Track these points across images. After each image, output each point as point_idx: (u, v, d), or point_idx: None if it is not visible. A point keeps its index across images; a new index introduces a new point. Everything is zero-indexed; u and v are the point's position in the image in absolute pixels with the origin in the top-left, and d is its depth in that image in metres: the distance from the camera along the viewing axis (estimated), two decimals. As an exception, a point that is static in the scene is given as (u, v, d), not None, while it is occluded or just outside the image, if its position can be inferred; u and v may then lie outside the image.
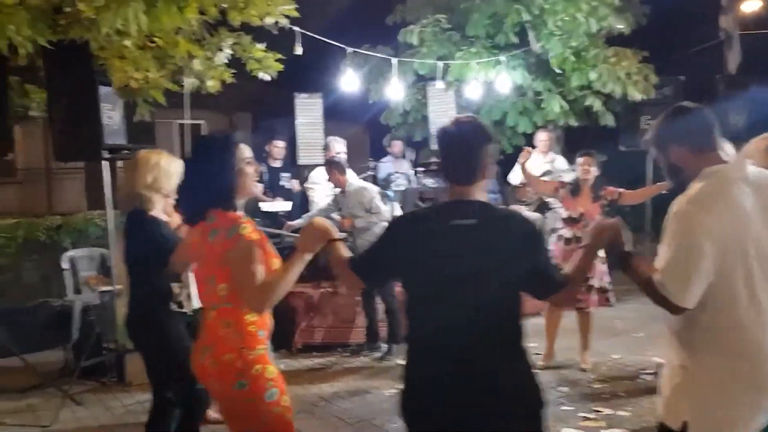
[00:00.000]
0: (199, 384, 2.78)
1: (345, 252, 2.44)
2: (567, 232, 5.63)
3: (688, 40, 12.72)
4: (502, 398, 2.17)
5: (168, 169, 3.28)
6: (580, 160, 5.62)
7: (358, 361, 6.16)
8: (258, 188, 7.83)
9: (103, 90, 4.87)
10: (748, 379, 2.21)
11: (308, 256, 2.46)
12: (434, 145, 9.15)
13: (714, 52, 11.38)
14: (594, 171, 5.55)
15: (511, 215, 2.36)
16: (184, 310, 3.38)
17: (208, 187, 2.53)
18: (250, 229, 2.46)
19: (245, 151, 2.60)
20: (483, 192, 2.29)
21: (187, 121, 6.96)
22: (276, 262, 2.54)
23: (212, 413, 4.62)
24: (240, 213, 2.56)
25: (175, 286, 3.31)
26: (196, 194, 2.57)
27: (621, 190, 5.51)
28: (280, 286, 2.42)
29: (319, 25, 8.32)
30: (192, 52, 4.81)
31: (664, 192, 5.10)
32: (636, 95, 8.33)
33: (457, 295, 2.16)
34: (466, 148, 2.25)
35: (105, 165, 5.41)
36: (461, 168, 2.26)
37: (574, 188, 5.57)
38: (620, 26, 8.50)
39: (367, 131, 15.13)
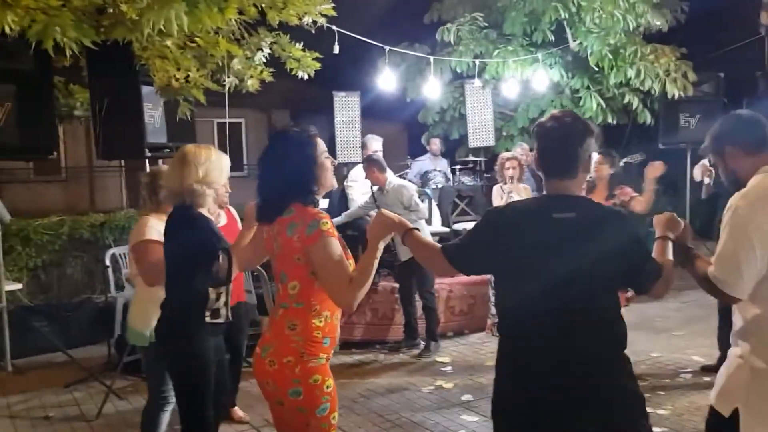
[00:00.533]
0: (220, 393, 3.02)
1: (426, 239, 2.51)
2: None
3: (727, 36, 12.46)
4: (602, 401, 2.15)
5: (219, 163, 3.08)
6: (596, 158, 5.64)
7: (397, 358, 6.20)
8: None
9: (145, 89, 4.99)
10: None
11: (382, 245, 2.49)
12: (472, 143, 9.16)
13: (754, 48, 11.14)
14: (607, 170, 5.61)
15: (609, 210, 2.35)
16: (219, 321, 3.03)
17: (289, 181, 2.48)
18: (329, 225, 2.43)
19: (322, 144, 2.57)
20: (582, 187, 2.34)
21: (227, 120, 7.06)
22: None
23: (239, 411, 4.70)
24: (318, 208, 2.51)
25: (212, 292, 2.98)
26: (277, 189, 2.51)
27: (635, 194, 5.54)
28: (367, 281, 2.41)
29: (357, 23, 8.39)
30: (232, 52, 4.89)
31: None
32: (675, 92, 8.22)
33: (558, 287, 2.15)
34: (566, 143, 2.25)
35: (147, 163, 5.54)
36: (561, 163, 2.26)
37: (590, 185, 5.59)
38: (658, 23, 8.38)
39: (405, 129, 15.16)
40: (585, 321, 2.16)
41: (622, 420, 2.16)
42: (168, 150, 5.34)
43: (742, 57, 11.52)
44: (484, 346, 6.46)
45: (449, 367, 5.85)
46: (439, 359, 6.09)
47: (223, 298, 3.01)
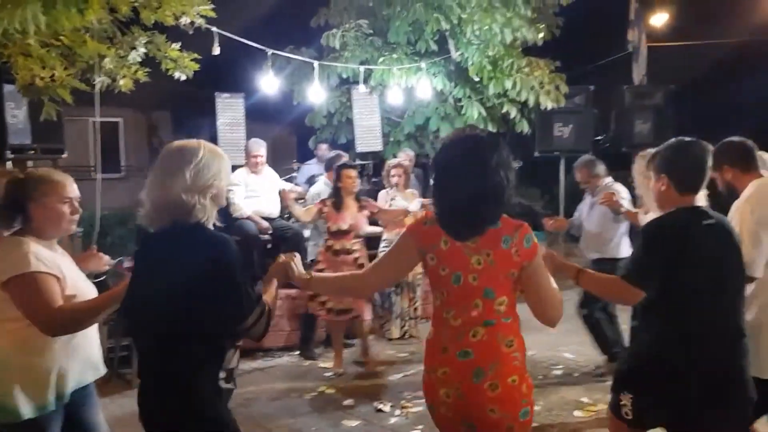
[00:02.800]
0: None
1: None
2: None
3: (597, 51, 13.25)
4: (738, 390, 2.62)
5: (227, 163, 2.38)
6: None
7: (278, 365, 6.19)
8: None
9: (7, 88, 4.72)
10: None
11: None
12: (360, 148, 9.25)
13: (622, 63, 11.91)
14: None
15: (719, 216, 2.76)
16: (230, 386, 2.26)
17: (503, 189, 2.28)
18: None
19: None
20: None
21: (102, 119, 6.77)
22: None
23: None
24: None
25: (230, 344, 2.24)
26: (490, 198, 2.29)
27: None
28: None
29: (242, 24, 8.27)
30: (101, 52, 4.70)
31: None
32: (548, 103, 8.62)
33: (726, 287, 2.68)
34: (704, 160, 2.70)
35: (9, 165, 5.22)
36: (701, 179, 2.70)
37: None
38: (533, 37, 8.77)
39: (293, 133, 15.10)
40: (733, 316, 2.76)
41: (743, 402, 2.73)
42: (32, 152, 5.06)
43: (612, 71, 12.29)
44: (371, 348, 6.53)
45: (332, 372, 5.87)
46: (322, 365, 6.10)
47: (237, 353, 2.31)
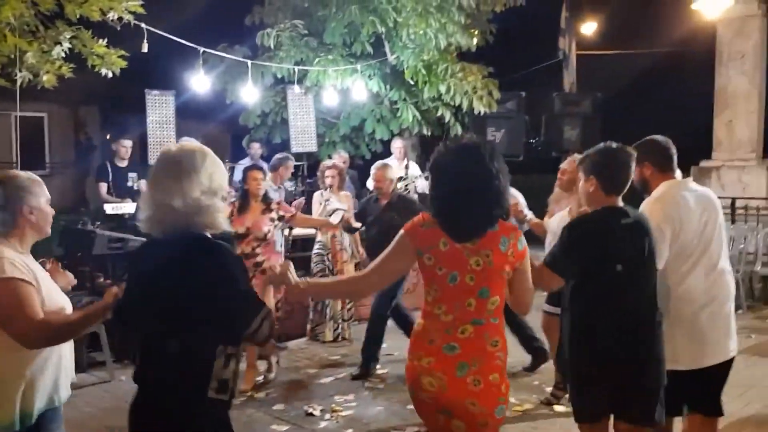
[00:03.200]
0: None
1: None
2: None
3: (530, 58, 13.58)
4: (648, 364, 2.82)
5: (221, 164, 2.30)
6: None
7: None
8: (102, 188, 7.53)
9: None
10: (689, 320, 3.13)
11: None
12: (295, 148, 9.19)
13: (553, 70, 12.25)
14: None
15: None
16: (223, 398, 2.18)
17: (501, 194, 2.45)
18: None
19: None
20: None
21: (25, 114, 6.52)
22: None
23: None
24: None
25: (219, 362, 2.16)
26: (489, 203, 2.43)
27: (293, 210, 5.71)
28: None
29: (175, 21, 8.12)
30: (22, 47, 4.54)
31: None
32: (481, 108, 8.77)
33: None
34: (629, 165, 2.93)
35: None
36: (625, 182, 2.93)
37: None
38: (467, 43, 8.90)
39: (227, 131, 14.85)
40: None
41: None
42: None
43: (543, 78, 12.61)
44: (301, 353, 6.49)
45: (262, 376, 5.81)
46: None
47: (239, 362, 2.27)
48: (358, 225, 5.76)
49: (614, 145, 2.96)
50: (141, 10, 5.34)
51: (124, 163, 7.69)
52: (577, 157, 4.52)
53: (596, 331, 2.83)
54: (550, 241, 4.68)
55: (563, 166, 4.88)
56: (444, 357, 2.41)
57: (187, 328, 2.12)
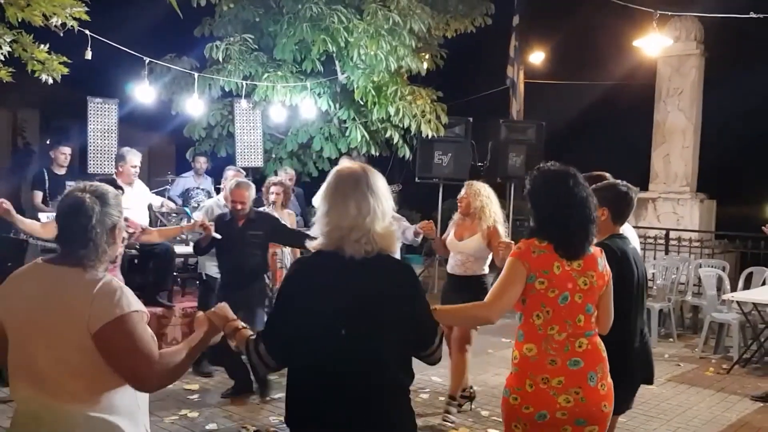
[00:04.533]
0: None
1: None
2: None
3: (478, 84, 13.83)
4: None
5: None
6: None
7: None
8: (38, 196, 7.29)
9: None
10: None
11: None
12: (240, 163, 9.09)
13: (500, 97, 12.50)
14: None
15: None
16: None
17: (594, 216, 2.75)
18: None
19: None
20: None
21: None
22: None
23: None
24: None
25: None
26: (589, 225, 2.73)
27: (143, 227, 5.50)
28: None
29: (122, 29, 7.97)
30: (-44, 48, 4.39)
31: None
32: (428, 132, 8.85)
33: None
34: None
35: None
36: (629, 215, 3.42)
37: None
38: (417, 67, 8.99)
39: (172, 142, 14.60)
40: None
41: None
42: None
43: (490, 104, 12.84)
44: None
45: (197, 395, 5.69)
46: (186, 386, 5.89)
47: None
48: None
49: (622, 183, 3.37)
50: (86, 17, 5.23)
51: (62, 171, 7.47)
52: (473, 184, 5.16)
53: (628, 351, 3.22)
54: (462, 261, 5.15)
55: (461, 193, 5.20)
56: (572, 373, 2.65)
57: (382, 343, 2.19)
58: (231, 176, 6.81)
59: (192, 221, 5.82)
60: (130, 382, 2.10)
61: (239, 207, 5.36)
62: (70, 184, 6.50)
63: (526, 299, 2.69)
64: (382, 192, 2.22)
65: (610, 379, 2.76)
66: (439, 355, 2.37)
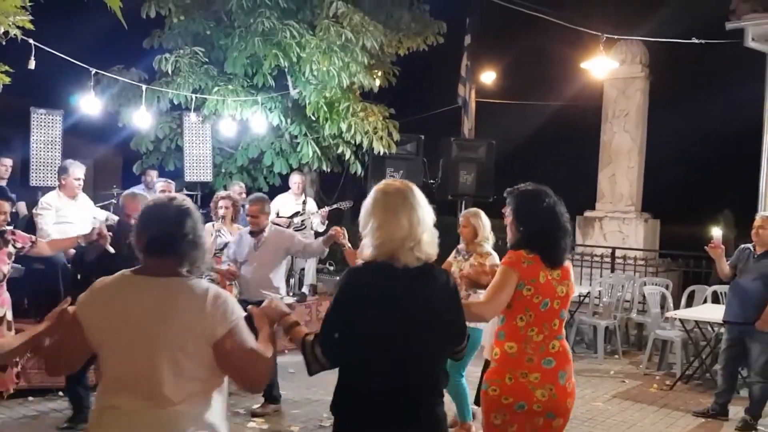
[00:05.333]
0: None
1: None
2: None
3: (430, 102, 13.97)
4: None
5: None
6: None
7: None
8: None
9: None
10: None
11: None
12: (189, 177, 8.96)
13: (452, 115, 12.63)
14: None
15: None
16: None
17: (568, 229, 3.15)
18: None
19: None
20: None
21: None
22: None
23: None
24: None
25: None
26: (567, 237, 3.12)
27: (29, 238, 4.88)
28: None
29: (70, 38, 7.79)
30: None
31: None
32: (380, 149, 8.86)
33: None
34: None
35: None
36: None
37: None
38: (369, 83, 9.02)
39: (119, 154, 14.31)
40: None
41: None
42: None
43: (442, 122, 12.97)
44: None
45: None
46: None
47: None
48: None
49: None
50: (29, 26, 5.07)
51: (2, 183, 7.24)
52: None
53: None
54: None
55: None
56: (546, 370, 2.98)
57: (434, 344, 2.43)
58: (160, 188, 6.69)
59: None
60: (246, 384, 2.32)
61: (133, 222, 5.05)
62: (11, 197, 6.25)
63: (512, 303, 3.01)
64: (425, 204, 2.47)
65: (573, 380, 3.10)
66: (465, 352, 2.67)
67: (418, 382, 2.39)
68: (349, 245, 5.20)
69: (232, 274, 5.57)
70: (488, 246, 5.20)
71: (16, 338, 2.37)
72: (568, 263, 3.12)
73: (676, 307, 7.80)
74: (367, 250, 2.42)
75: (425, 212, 2.44)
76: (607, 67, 9.21)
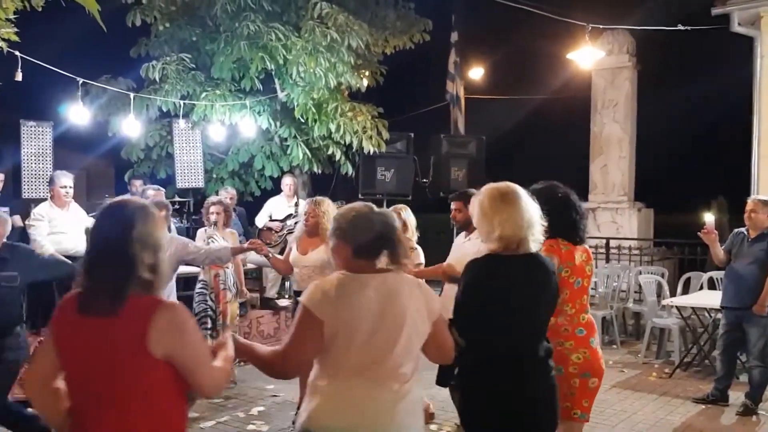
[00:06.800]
0: None
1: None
2: None
3: (419, 99, 13.95)
4: None
5: None
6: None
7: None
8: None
9: None
10: None
11: None
12: (180, 183, 8.94)
13: (441, 113, 12.62)
14: None
15: None
16: None
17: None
18: None
19: None
20: None
21: None
22: None
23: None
24: None
25: None
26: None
27: None
28: None
29: (54, 49, 7.76)
30: None
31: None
32: (370, 148, 8.86)
33: None
34: None
35: None
36: None
37: None
38: (356, 83, 9.01)
39: (111, 164, 14.28)
40: None
41: None
42: None
43: (431, 120, 12.96)
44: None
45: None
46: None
47: None
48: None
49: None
50: (15, 38, 5.08)
51: (-4, 196, 7.23)
52: (319, 200, 5.30)
53: None
54: (309, 274, 5.20)
55: (308, 210, 5.26)
56: (579, 338, 3.38)
57: (544, 321, 2.93)
58: (151, 195, 6.70)
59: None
60: (438, 357, 2.68)
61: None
62: (4, 210, 6.26)
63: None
64: (532, 200, 2.90)
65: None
66: None
67: (533, 355, 2.83)
68: (274, 254, 5.48)
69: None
70: (414, 240, 5.46)
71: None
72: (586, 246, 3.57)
73: (673, 294, 7.81)
74: (489, 243, 2.86)
75: (534, 207, 2.88)
76: (594, 56, 9.20)
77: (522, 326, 2.83)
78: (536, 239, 2.85)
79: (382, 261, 2.53)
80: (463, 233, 5.18)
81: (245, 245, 5.75)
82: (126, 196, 8.31)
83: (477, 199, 2.96)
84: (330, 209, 5.23)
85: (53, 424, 2.23)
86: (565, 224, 3.42)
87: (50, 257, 5.17)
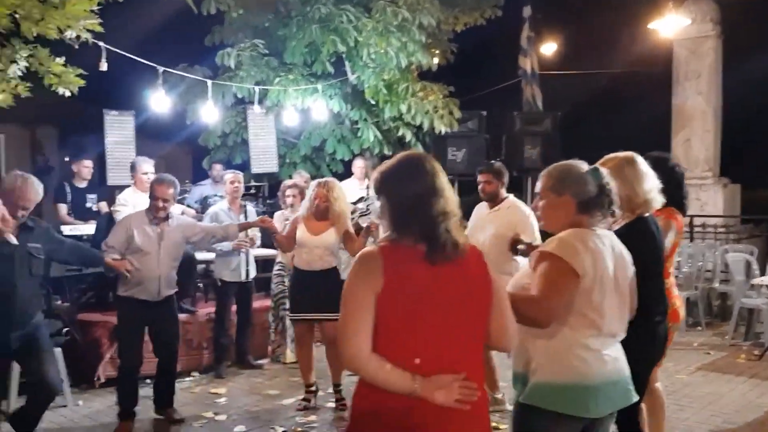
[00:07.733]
0: None
1: None
2: None
3: (490, 77, 13.71)
4: None
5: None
6: None
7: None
8: (62, 209, 7.35)
9: None
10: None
11: None
12: (255, 169, 9.12)
13: (513, 90, 12.38)
14: None
15: None
16: None
17: None
18: None
19: None
20: None
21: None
22: None
23: None
24: None
25: None
26: None
27: None
28: None
29: (133, 40, 8.00)
30: (-26, 65, 4.43)
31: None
32: (441, 128, 8.79)
33: None
34: None
35: None
36: None
37: None
38: (427, 62, 8.94)
39: (189, 152, 14.69)
40: None
41: None
42: None
43: (503, 97, 12.74)
44: (263, 374, 6.41)
45: (224, 399, 5.70)
46: (213, 390, 5.92)
47: None
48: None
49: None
50: (99, 29, 5.25)
51: (83, 184, 7.54)
52: (330, 184, 5.31)
53: None
54: (320, 255, 5.27)
55: (318, 195, 5.25)
56: (670, 292, 3.64)
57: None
58: (229, 179, 6.87)
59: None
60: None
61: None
62: (91, 197, 6.57)
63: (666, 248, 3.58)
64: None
65: None
66: None
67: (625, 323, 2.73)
68: (280, 231, 5.58)
69: None
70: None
71: None
72: None
73: (763, 274, 7.49)
74: (634, 207, 3.10)
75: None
76: (678, 24, 8.82)
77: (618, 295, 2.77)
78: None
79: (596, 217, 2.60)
80: (485, 204, 5.22)
81: (254, 221, 5.99)
82: (207, 181, 8.63)
83: (616, 167, 3.05)
84: (341, 194, 5.29)
85: None
86: (679, 195, 3.80)
87: (73, 242, 5.10)
